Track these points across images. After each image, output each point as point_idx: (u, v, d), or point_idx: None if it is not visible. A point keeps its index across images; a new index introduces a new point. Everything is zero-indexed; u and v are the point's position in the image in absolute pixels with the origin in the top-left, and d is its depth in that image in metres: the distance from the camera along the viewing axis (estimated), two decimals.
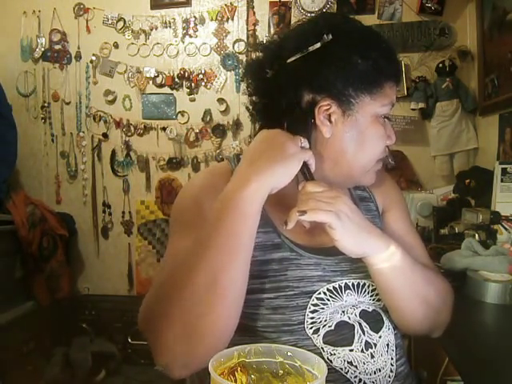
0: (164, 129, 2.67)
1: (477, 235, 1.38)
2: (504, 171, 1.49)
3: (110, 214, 2.78)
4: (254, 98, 0.85)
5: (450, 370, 0.99)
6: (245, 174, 0.68)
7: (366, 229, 0.71)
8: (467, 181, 1.88)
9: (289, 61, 0.77)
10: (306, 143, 0.73)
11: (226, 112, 2.62)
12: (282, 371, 0.58)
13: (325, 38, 0.75)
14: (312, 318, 0.75)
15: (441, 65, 2.33)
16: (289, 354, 0.58)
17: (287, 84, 0.78)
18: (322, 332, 0.75)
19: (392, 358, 0.78)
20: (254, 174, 0.67)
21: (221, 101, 2.60)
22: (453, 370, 0.94)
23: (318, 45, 0.75)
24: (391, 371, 0.76)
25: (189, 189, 0.84)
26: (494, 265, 1.17)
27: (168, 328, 0.63)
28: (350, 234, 0.68)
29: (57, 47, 2.74)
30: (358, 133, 0.78)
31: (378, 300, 0.80)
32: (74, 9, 2.71)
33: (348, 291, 0.77)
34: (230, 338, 0.66)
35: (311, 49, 0.75)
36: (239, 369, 0.56)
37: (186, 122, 2.66)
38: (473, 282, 1.15)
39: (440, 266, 1.28)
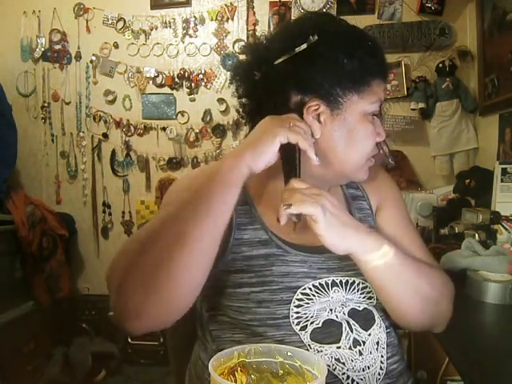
0: (164, 129, 2.67)
1: (477, 235, 1.38)
2: (504, 171, 1.49)
3: (109, 214, 2.78)
4: (243, 100, 0.87)
5: (450, 369, 0.99)
6: (226, 158, 0.74)
7: (350, 225, 0.71)
8: (467, 181, 1.88)
9: (276, 63, 0.78)
10: (301, 125, 0.74)
11: (225, 112, 2.62)
12: (282, 371, 0.58)
13: (311, 39, 0.76)
14: (297, 312, 0.76)
15: (441, 65, 2.33)
16: (289, 354, 0.58)
17: (275, 86, 0.79)
18: (310, 329, 0.76)
19: (382, 356, 0.78)
20: (231, 155, 0.73)
21: (221, 101, 2.60)
22: (453, 370, 0.94)
23: (305, 46, 0.76)
24: (381, 369, 0.77)
25: (183, 178, 0.91)
26: (494, 265, 1.17)
27: (130, 274, 0.66)
28: (334, 229, 0.69)
29: (57, 47, 2.74)
30: (347, 131, 0.79)
31: (370, 298, 0.81)
32: (73, 9, 2.71)
33: (335, 288, 0.78)
34: (186, 301, 0.67)
35: (298, 50, 0.76)
36: (239, 369, 0.57)
37: (186, 122, 2.66)
38: (473, 282, 1.15)
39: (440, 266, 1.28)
